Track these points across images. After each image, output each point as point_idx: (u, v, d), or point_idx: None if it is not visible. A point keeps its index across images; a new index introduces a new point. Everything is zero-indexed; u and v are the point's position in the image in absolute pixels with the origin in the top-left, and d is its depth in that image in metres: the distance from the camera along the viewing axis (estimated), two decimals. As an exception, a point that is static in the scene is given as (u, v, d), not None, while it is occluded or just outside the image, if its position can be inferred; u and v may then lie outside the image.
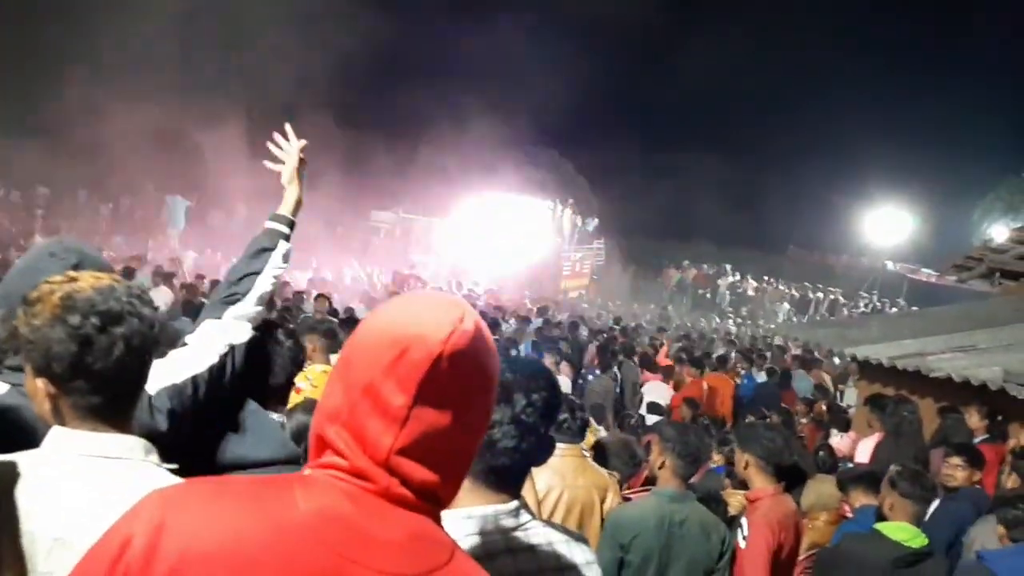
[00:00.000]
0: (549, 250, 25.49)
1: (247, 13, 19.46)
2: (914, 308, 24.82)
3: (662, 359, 12.80)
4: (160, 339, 1.67)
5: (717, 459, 6.19)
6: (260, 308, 2.33)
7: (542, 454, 1.74)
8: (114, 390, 1.60)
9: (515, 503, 1.70)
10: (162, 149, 19.33)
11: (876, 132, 30.97)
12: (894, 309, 27.49)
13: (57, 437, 1.59)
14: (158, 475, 1.63)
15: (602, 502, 3.71)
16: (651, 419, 8.94)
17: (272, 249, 2.42)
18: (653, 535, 3.47)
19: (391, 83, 22.72)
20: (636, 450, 5.54)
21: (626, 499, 4.41)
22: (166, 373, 2.03)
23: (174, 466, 1.69)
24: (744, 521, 3.74)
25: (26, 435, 1.68)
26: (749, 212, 30.18)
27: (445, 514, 1.63)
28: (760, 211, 30.74)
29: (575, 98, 27.41)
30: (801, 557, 4.29)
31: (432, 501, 1.14)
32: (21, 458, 1.57)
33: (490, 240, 24.36)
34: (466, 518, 1.64)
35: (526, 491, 3.52)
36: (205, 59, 19.92)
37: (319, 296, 11.42)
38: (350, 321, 8.73)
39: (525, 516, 1.71)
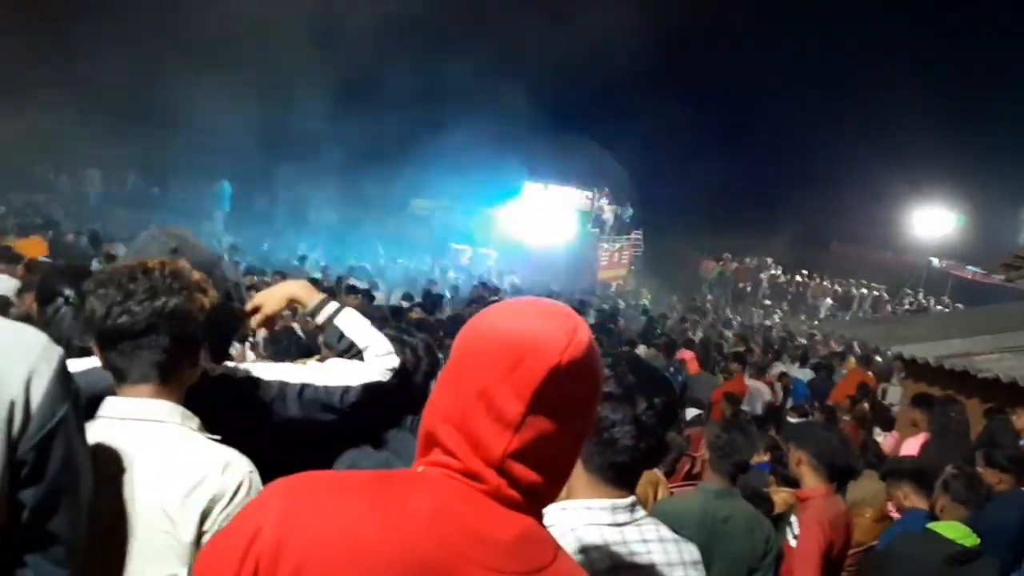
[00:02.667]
0: (586, 240, 25.42)
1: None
2: (959, 306, 24.42)
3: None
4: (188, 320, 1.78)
5: (762, 457, 6.16)
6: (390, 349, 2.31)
7: (658, 456, 1.82)
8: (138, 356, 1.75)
9: (631, 498, 1.79)
10: (210, 131, 19.54)
11: (923, 125, 30.37)
12: (939, 307, 27.05)
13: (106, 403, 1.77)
14: (196, 439, 1.77)
15: (654, 496, 3.72)
16: (690, 412, 8.91)
17: (342, 316, 2.33)
18: (696, 531, 3.45)
19: (426, 69, 22.71)
20: (678, 443, 5.54)
21: (671, 493, 4.41)
22: (319, 374, 2.14)
23: (216, 437, 1.80)
24: (794, 519, 3.73)
25: None
26: (791, 205, 29.81)
27: (566, 504, 1.70)
28: (802, 205, 30.32)
29: (615, 87, 27.32)
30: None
31: (537, 502, 1.18)
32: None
33: (528, 229, 24.35)
34: (585, 508, 1.74)
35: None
36: (254, 42, 20.09)
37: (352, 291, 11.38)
38: (398, 312, 8.81)
39: (640, 512, 1.80)
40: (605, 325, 13.25)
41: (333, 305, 2.30)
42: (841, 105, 30.23)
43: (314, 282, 12.60)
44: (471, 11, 23.25)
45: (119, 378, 1.78)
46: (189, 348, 1.80)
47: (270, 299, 2.25)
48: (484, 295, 14.95)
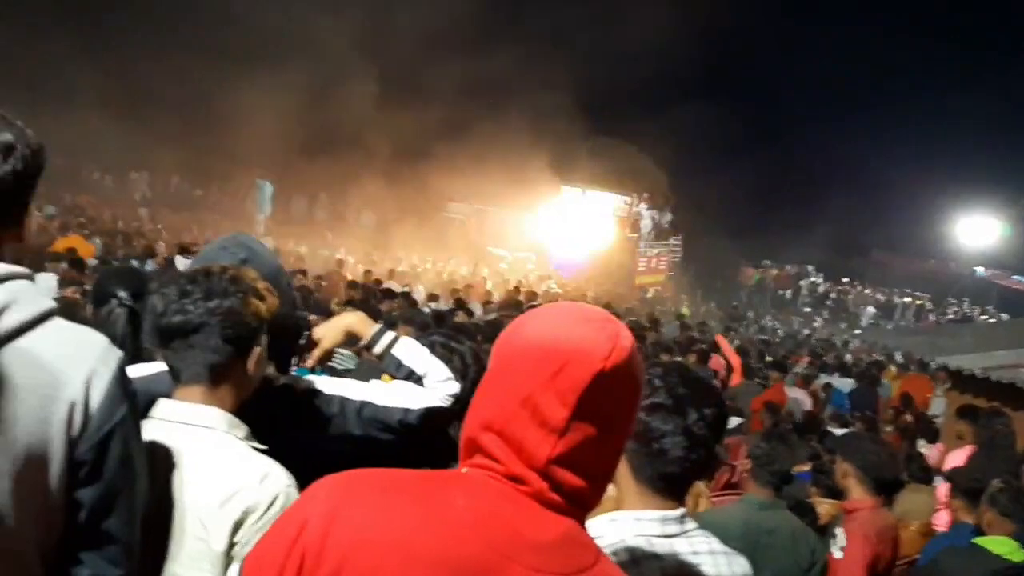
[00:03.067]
0: (624, 245, 25.32)
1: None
2: (1004, 316, 23.97)
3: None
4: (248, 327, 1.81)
5: (802, 467, 6.08)
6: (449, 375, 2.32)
7: (709, 467, 1.81)
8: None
9: (681, 510, 1.78)
10: (251, 133, 19.79)
11: (969, 132, 29.89)
12: (984, 317, 26.57)
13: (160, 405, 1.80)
14: (239, 449, 1.78)
15: (695, 508, 3.68)
16: (731, 421, 8.82)
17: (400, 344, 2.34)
18: (739, 543, 3.40)
19: (464, 72, 22.80)
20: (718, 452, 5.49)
21: (712, 504, 4.37)
22: (381, 394, 2.16)
23: (263, 446, 1.81)
24: (839, 531, 3.68)
25: None
26: (832, 212, 29.44)
27: (615, 515, 1.69)
28: (844, 211, 29.93)
29: (654, 91, 27.19)
30: (891, 568, 4.20)
31: (580, 506, 1.19)
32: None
33: (565, 234, 24.32)
34: (635, 520, 1.73)
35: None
36: (293, 46, 20.32)
37: (395, 294, 11.38)
38: (440, 317, 8.85)
39: (690, 523, 1.78)
40: (638, 333, 13.17)
41: (389, 335, 2.30)
42: (885, 110, 29.84)
43: (352, 286, 12.76)
44: (509, 16, 23.29)
45: (174, 377, 1.82)
46: (241, 351, 1.81)
47: (329, 333, 2.26)
48: (520, 300, 14.95)
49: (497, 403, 1.17)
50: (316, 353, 2.25)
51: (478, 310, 12.36)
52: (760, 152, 31.74)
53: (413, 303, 10.75)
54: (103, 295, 2.44)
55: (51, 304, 1.50)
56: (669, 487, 1.76)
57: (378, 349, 2.29)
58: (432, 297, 13.49)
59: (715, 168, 30.60)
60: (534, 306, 14.21)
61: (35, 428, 1.43)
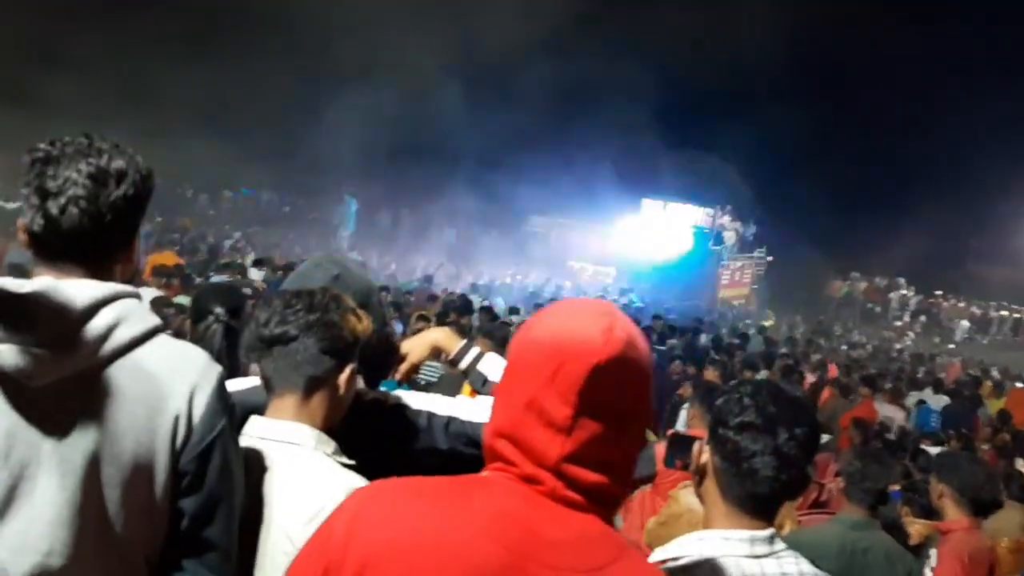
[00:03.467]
0: (707, 258, 24.99)
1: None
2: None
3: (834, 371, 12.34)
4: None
5: (893, 486, 5.91)
6: None
7: (799, 488, 1.80)
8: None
9: (770, 530, 1.77)
10: (340, 149, 20.21)
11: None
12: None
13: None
14: (327, 465, 1.80)
15: (779, 528, 3.61)
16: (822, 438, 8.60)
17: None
18: (834, 563, 3.34)
19: (546, 86, 22.87)
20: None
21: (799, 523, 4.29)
22: (466, 409, 2.19)
23: (350, 461, 1.85)
24: (933, 552, 3.57)
25: None
26: (923, 221, 28.43)
27: (703, 534, 1.69)
28: (936, 221, 28.87)
29: (736, 101, 26.82)
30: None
31: (601, 501, 1.20)
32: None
33: (647, 247, 24.13)
34: (722, 539, 1.73)
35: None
36: (379, 65, 20.69)
37: (482, 309, 11.44)
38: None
39: (779, 544, 1.77)
40: (721, 346, 12.94)
41: (475, 350, 2.33)
42: (976, 115, 28.64)
43: (433, 299, 12.91)
44: (591, 29, 23.29)
45: (268, 389, 1.86)
46: (336, 364, 1.85)
47: (416, 347, 2.28)
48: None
49: (506, 409, 1.20)
50: (403, 367, 2.28)
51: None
52: (849, 161, 30.92)
53: (493, 316, 10.76)
54: (201, 311, 2.55)
55: (157, 321, 1.58)
56: (758, 507, 1.75)
57: (464, 364, 2.31)
58: (513, 310, 13.53)
59: (801, 178, 29.96)
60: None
61: (143, 439, 1.51)
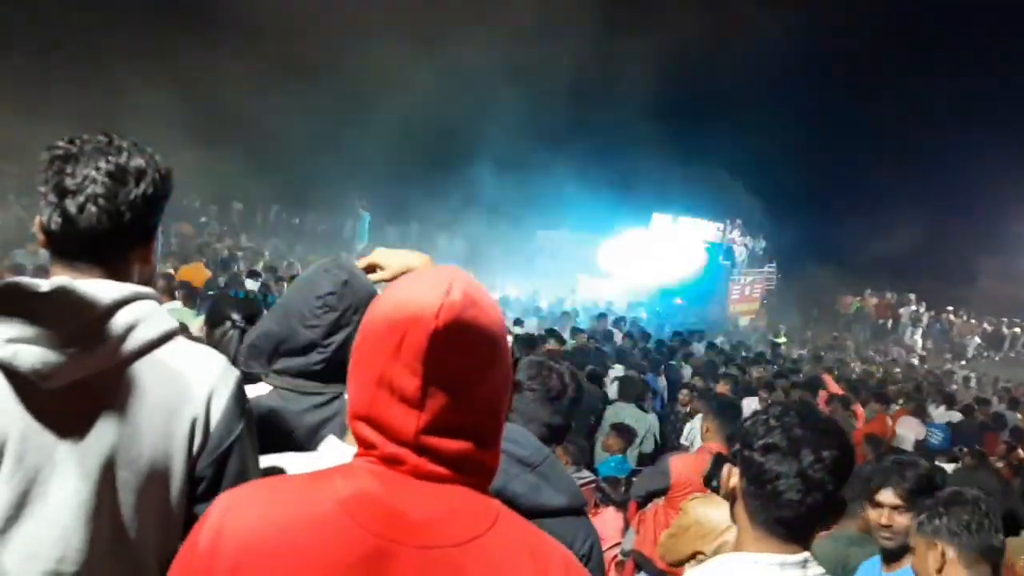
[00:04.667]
0: (717, 273, 24.94)
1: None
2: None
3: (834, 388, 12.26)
4: None
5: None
6: None
7: (832, 512, 1.77)
8: None
9: (803, 555, 1.74)
10: (349, 163, 20.26)
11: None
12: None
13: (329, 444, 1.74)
14: None
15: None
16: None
17: None
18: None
19: (552, 102, 22.92)
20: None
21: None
22: None
23: None
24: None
25: (284, 436, 1.87)
26: (934, 237, 28.31)
27: (732, 556, 1.66)
28: (945, 237, 28.76)
29: (745, 116, 26.75)
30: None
31: (470, 471, 1.17)
32: (297, 460, 1.71)
33: (656, 262, 24.10)
34: (752, 563, 1.71)
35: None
36: (391, 79, 20.78)
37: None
38: (526, 339, 8.86)
39: (814, 569, 1.74)
40: (733, 360, 12.92)
41: None
42: (987, 129, 28.49)
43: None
44: (598, 44, 23.33)
45: None
46: None
47: (392, 265, 2.11)
48: (608, 327, 14.86)
49: (359, 390, 1.16)
50: (375, 277, 2.22)
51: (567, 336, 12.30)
52: (859, 175, 30.86)
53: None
54: (219, 317, 2.56)
55: (175, 324, 1.56)
56: (788, 531, 1.72)
57: None
58: (517, 322, 13.53)
59: (810, 192, 29.95)
60: (615, 332, 14.10)
61: (159, 443, 1.49)
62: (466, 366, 1.13)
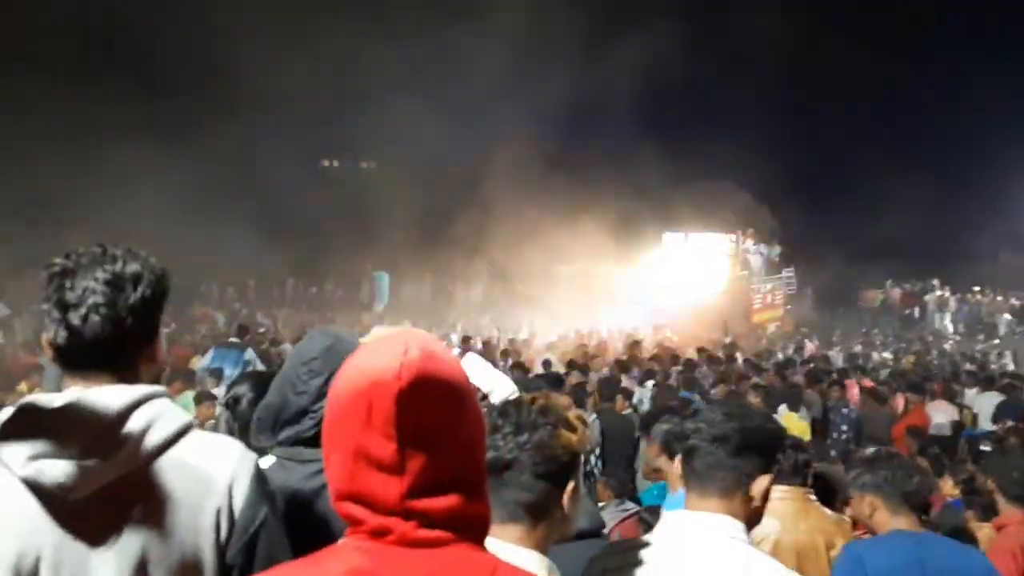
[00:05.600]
0: (736, 285, 24.80)
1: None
2: None
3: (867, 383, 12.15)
4: None
5: (953, 492, 5.77)
6: None
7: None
8: None
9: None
10: (360, 228, 20.32)
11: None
12: None
13: None
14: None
15: (829, 548, 3.48)
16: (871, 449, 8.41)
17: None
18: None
19: (558, 126, 23.00)
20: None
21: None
22: None
23: None
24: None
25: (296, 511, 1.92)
26: (948, 218, 27.96)
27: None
28: (962, 216, 28.36)
29: (745, 124, 26.69)
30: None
31: (463, 529, 1.17)
32: None
33: (674, 281, 24.02)
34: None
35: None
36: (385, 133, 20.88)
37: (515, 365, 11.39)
38: (552, 377, 8.89)
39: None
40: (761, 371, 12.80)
41: (454, 352, 2.38)
42: (999, 102, 28.19)
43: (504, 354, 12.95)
44: (597, 63, 23.35)
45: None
46: (555, 487, 1.72)
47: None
48: (636, 353, 14.79)
49: (337, 467, 1.17)
50: None
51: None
52: (865, 165, 30.56)
53: (526, 371, 10.71)
54: (233, 395, 2.66)
55: (189, 418, 1.61)
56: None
57: None
58: (546, 364, 13.47)
59: (818, 192, 29.81)
60: (649, 357, 14.04)
61: (188, 538, 1.52)
62: (437, 420, 1.14)
